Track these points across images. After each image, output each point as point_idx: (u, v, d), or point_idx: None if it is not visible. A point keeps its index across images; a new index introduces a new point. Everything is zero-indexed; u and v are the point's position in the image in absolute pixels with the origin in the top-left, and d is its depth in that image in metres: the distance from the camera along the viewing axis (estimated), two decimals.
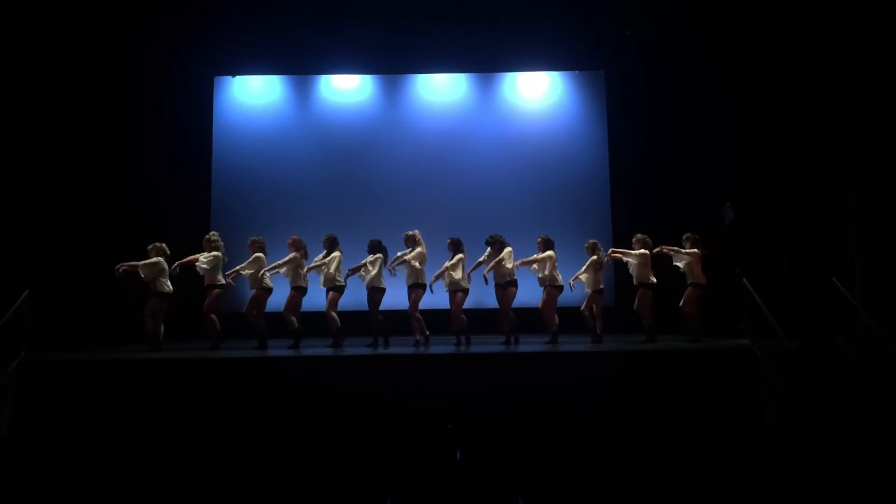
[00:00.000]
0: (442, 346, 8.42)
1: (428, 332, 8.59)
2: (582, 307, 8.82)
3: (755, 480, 4.77)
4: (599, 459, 5.15)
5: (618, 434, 5.89)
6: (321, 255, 8.77)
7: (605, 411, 6.77)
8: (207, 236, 8.72)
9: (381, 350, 8.24)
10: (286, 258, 8.62)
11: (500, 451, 5.41)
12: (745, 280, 8.12)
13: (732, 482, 4.76)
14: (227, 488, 4.69)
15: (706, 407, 6.93)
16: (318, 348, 8.35)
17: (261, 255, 8.65)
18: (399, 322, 8.90)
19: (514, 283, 8.64)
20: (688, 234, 8.77)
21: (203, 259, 8.47)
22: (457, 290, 8.63)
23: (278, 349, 8.33)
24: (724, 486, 4.72)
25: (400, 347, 8.37)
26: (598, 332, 8.73)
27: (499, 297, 8.70)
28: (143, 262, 8.35)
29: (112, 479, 4.82)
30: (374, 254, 8.70)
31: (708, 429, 6.08)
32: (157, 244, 8.51)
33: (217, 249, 8.60)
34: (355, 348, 8.29)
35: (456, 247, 8.74)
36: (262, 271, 8.56)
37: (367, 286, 8.69)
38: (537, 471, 4.92)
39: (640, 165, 10.71)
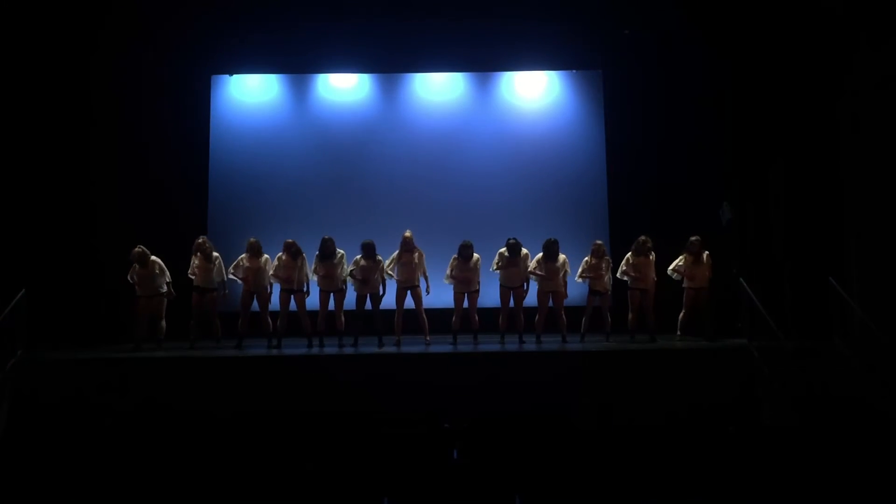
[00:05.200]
0: (440, 346, 8.43)
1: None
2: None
3: (753, 479, 4.78)
4: (597, 459, 5.16)
5: (615, 433, 5.89)
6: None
7: (603, 410, 6.78)
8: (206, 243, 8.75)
9: (382, 349, 8.21)
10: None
11: (497, 449, 5.40)
12: (742, 279, 8.13)
13: (730, 481, 4.76)
14: (226, 486, 4.69)
15: (704, 406, 6.94)
16: (317, 348, 8.35)
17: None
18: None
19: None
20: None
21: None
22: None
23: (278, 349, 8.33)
24: (722, 484, 4.72)
25: (395, 347, 8.36)
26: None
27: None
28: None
29: (110, 478, 4.82)
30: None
31: (706, 428, 6.09)
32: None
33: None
34: (352, 348, 8.29)
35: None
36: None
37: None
38: (535, 470, 4.92)
39: (638, 164, 10.68)
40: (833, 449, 5.30)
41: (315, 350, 8.18)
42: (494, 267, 8.76)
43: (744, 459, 5.10)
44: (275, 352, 8.16)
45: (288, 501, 4.62)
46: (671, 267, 8.81)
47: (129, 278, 8.45)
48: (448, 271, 8.74)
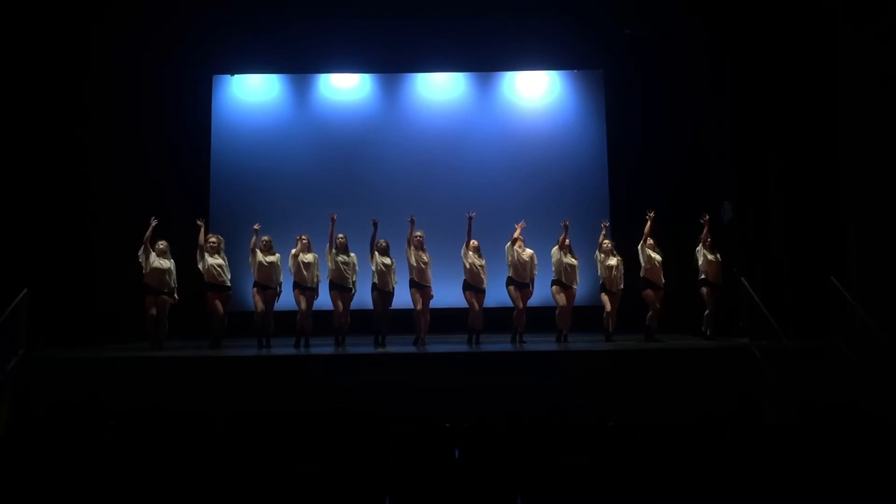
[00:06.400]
0: (440, 346, 8.43)
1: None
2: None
3: (753, 479, 4.79)
4: (597, 458, 5.16)
5: (616, 433, 5.90)
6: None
7: (603, 410, 6.78)
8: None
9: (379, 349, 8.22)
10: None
11: (498, 449, 5.41)
12: (743, 279, 8.13)
13: (730, 481, 4.77)
14: (227, 487, 4.70)
15: (705, 406, 6.95)
16: (318, 347, 8.36)
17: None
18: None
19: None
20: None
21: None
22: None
23: (278, 348, 8.33)
24: (723, 484, 4.73)
25: (398, 346, 8.37)
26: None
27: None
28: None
29: (110, 478, 4.82)
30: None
31: (706, 427, 6.10)
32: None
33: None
34: (354, 347, 8.30)
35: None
36: None
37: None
38: (535, 469, 4.93)
39: (639, 164, 10.71)
40: (833, 449, 5.30)
41: (317, 350, 8.18)
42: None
43: (744, 460, 5.11)
44: (275, 351, 8.16)
45: (289, 501, 4.63)
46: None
47: (142, 262, 8.33)
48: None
